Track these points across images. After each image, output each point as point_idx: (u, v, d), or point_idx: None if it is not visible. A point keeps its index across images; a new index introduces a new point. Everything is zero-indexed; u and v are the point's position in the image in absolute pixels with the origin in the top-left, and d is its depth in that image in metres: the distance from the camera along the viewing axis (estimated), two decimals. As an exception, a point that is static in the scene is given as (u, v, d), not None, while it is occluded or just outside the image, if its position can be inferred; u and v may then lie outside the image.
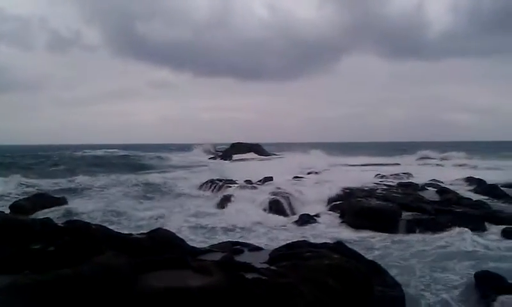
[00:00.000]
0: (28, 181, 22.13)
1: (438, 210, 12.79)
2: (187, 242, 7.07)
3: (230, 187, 18.53)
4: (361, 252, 7.51)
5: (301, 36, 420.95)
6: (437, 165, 35.31)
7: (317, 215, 13.53)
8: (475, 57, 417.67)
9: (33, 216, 11.41)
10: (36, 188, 20.44)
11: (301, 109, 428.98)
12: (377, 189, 17.68)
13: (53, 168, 35.51)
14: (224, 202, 15.80)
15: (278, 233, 11.68)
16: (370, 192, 16.41)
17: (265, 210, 14.42)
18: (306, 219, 12.99)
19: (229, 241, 8.57)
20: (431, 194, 16.88)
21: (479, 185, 19.14)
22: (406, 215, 12.32)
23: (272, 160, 43.89)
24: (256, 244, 8.19)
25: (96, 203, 16.42)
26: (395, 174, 24.37)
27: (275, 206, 14.53)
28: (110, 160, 46.18)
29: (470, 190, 18.34)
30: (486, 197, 16.14)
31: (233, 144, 58.00)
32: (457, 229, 10.88)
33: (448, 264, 8.27)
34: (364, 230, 11.62)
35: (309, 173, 25.95)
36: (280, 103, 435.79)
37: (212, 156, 55.79)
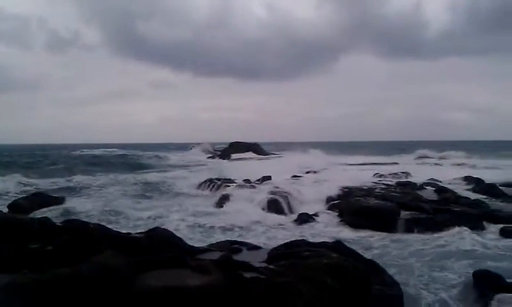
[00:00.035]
0: (26, 181, 22.12)
1: (437, 209, 12.79)
2: (186, 241, 7.06)
3: (229, 186, 18.54)
4: (360, 251, 7.52)
5: (299, 35, 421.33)
6: (435, 164, 35.36)
7: (316, 215, 13.52)
8: (473, 56, 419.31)
9: (31, 215, 11.42)
10: (34, 187, 20.43)
11: (299, 109, 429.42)
12: (375, 188, 17.69)
13: (51, 167, 35.47)
14: (222, 201, 15.79)
15: (276, 232, 11.66)
16: (368, 192, 16.42)
17: (263, 209, 14.41)
18: (304, 218, 12.98)
19: (227, 240, 8.55)
20: (429, 193, 16.89)
21: (477, 184, 19.17)
22: (404, 214, 12.33)
23: (271, 159, 43.91)
24: (255, 243, 8.17)
25: (94, 202, 16.41)
26: (394, 174, 24.42)
27: (274, 206, 14.53)
28: (108, 160, 46.20)
29: (468, 190, 18.35)
30: (485, 197, 16.15)
31: (231, 143, 58.03)
32: (455, 228, 10.86)
33: (447, 263, 8.28)
34: (363, 229, 11.61)
35: (307, 172, 25.95)
36: (278, 103, 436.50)
37: (211, 155, 55.82)
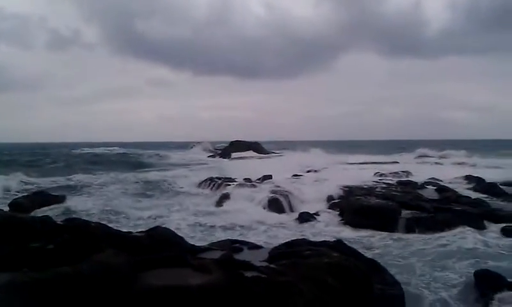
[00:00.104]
0: (27, 179, 22.15)
1: (437, 208, 12.79)
2: (187, 240, 7.05)
3: (229, 185, 18.53)
4: (361, 250, 7.52)
5: (298, 34, 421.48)
6: (436, 163, 35.26)
7: (317, 214, 13.53)
8: (473, 54, 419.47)
9: (32, 214, 11.44)
10: (35, 186, 20.46)
11: (299, 107, 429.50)
12: (376, 187, 17.68)
13: (51, 166, 35.50)
14: (223, 200, 15.80)
15: (277, 231, 11.67)
16: (369, 191, 16.41)
17: (264, 208, 14.42)
18: (305, 217, 12.99)
19: (228, 239, 8.54)
20: (430, 192, 16.88)
21: (478, 183, 19.15)
22: (405, 213, 12.32)
23: (272, 158, 43.91)
24: (256, 242, 8.18)
25: (95, 200, 16.43)
26: (394, 173, 24.37)
27: (274, 205, 14.53)
28: (109, 158, 46.23)
29: (469, 189, 18.34)
30: (485, 196, 16.14)
31: (232, 142, 57.97)
32: (456, 227, 10.88)
33: (448, 263, 8.27)
34: (363, 228, 11.61)
35: (308, 171, 25.96)
36: (278, 102, 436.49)
37: (211, 154, 55.81)
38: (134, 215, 13.73)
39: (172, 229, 7.63)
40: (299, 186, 17.72)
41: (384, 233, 11.09)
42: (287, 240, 7.60)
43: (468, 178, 20.98)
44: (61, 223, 5.69)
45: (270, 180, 20.18)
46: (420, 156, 43.51)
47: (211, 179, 20.97)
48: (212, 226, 12.11)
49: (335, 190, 16.31)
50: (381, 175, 23.28)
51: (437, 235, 10.60)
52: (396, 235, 10.94)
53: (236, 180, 20.22)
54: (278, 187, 16.66)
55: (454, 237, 10.19)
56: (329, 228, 12.17)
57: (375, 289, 5.43)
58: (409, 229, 11.33)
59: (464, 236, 10.17)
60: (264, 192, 15.74)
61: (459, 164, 33.48)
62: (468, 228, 10.80)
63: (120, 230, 6.63)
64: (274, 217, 13.49)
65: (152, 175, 25.46)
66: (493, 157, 41.74)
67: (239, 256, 6.04)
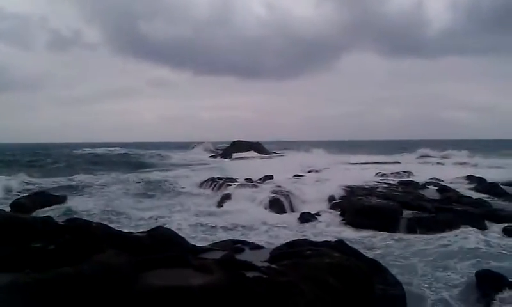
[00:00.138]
0: (29, 180, 22.20)
1: (439, 209, 12.78)
2: (188, 240, 7.06)
3: (231, 185, 18.53)
4: (362, 250, 7.51)
5: (299, 34, 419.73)
6: (437, 163, 35.22)
7: (318, 214, 13.52)
8: (474, 55, 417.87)
9: (33, 214, 11.45)
10: (37, 186, 20.49)
11: (300, 108, 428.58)
12: (377, 188, 17.67)
13: (53, 166, 35.55)
14: (224, 200, 15.80)
15: (278, 231, 11.67)
16: (370, 191, 16.41)
17: (265, 208, 14.43)
18: (306, 218, 12.98)
19: (230, 239, 8.55)
20: (431, 192, 16.87)
21: (479, 183, 19.13)
22: (406, 213, 12.32)
23: (273, 158, 43.90)
24: (257, 242, 8.18)
25: (96, 201, 16.44)
26: (396, 173, 24.37)
27: (276, 205, 14.53)
28: (110, 158, 46.27)
29: (470, 189, 18.34)
30: (487, 196, 16.12)
31: (233, 142, 57.99)
32: (458, 227, 10.87)
33: (450, 263, 8.27)
34: (365, 229, 11.60)
35: (309, 172, 25.96)
36: (279, 102, 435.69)
37: (213, 154, 55.87)
38: (135, 216, 13.74)
39: (173, 229, 7.65)
40: (301, 186, 17.71)
41: (386, 233, 11.08)
42: (288, 241, 7.60)
43: (470, 178, 20.96)
44: (63, 223, 5.70)
45: (271, 180, 20.18)
46: (422, 156, 43.45)
47: (212, 179, 20.97)
48: (213, 226, 12.12)
49: (336, 190, 16.30)
50: (382, 175, 23.28)
51: (438, 235, 10.60)
52: (397, 235, 10.93)
53: (237, 180, 20.22)
54: (279, 187, 16.66)
55: (456, 237, 10.19)
56: (330, 228, 12.17)
57: (376, 289, 5.42)
58: (410, 230, 11.32)
59: (465, 237, 10.16)
60: (265, 193, 15.74)
61: (460, 164, 33.44)
62: (470, 228, 10.81)
63: (121, 230, 6.64)
64: (276, 217, 13.48)
65: (153, 175, 25.46)
66: (495, 157, 41.65)
67: (240, 257, 6.05)
